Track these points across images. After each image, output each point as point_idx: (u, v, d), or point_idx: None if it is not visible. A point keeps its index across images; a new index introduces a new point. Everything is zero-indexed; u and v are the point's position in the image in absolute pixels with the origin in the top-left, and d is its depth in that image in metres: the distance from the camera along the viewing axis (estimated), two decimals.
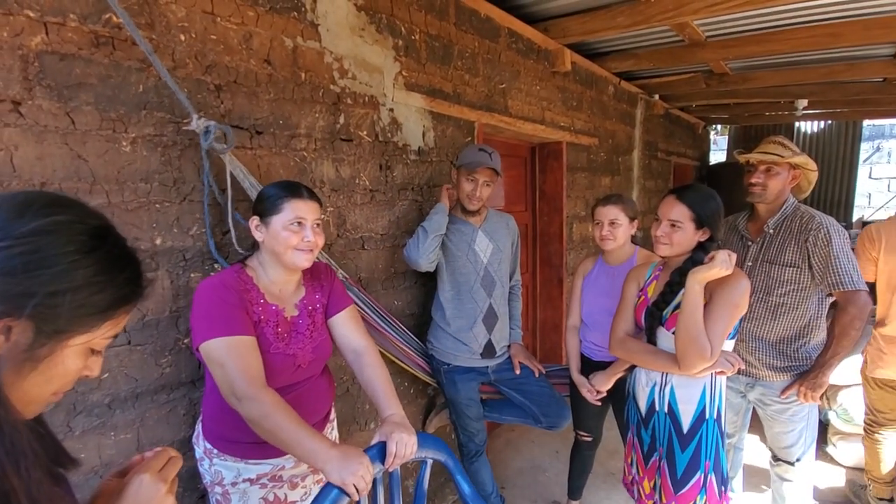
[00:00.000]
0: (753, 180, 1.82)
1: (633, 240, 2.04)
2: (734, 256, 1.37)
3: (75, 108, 1.13)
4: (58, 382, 0.54)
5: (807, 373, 1.76)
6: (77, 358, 0.54)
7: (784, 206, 1.81)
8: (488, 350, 2.01)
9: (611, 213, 1.92)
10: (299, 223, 1.20)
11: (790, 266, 1.76)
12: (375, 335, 1.84)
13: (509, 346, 2.12)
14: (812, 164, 1.81)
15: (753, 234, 1.89)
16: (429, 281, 2.18)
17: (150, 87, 1.25)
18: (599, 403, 1.97)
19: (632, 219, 1.96)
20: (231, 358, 1.08)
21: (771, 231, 1.82)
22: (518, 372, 2.04)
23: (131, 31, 1.14)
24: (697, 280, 1.35)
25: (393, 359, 1.96)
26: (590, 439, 2.20)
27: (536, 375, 2.04)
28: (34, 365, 0.50)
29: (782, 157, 1.76)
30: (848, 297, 1.68)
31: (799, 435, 1.82)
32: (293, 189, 1.22)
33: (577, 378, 2.01)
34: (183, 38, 1.31)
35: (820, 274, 1.71)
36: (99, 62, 1.16)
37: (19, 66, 1.05)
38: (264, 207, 1.21)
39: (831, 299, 1.81)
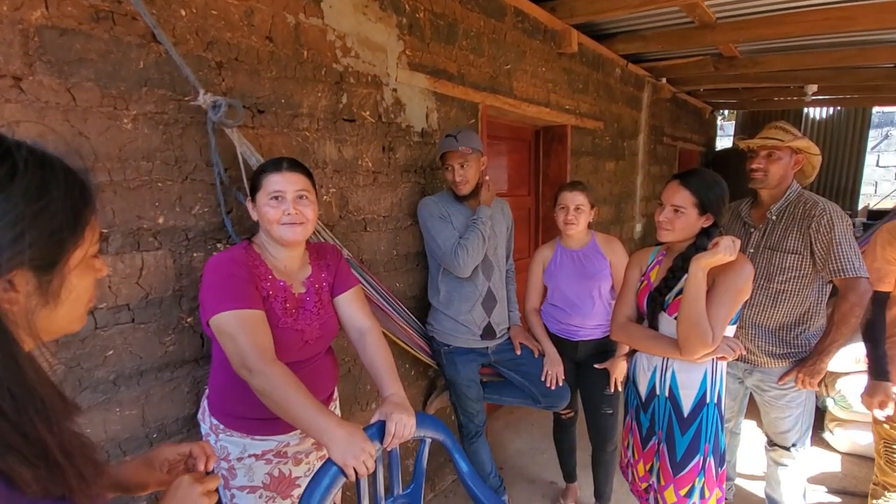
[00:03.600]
0: (754, 165, 1.80)
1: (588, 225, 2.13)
2: (738, 242, 1.37)
3: (76, 84, 1.12)
4: (85, 297, 0.58)
5: (805, 359, 1.76)
6: (85, 272, 0.57)
7: (787, 193, 1.80)
8: (488, 332, 2.03)
9: (576, 198, 1.99)
10: (276, 197, 1.19)
11: (792, 253, 1.75)
12: (379, 314, 1.86)
13: (509, 329, 2.14)
14: (815, 149, 1.78)
15: (756, 221, 1.88)
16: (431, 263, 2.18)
17: (151, 64, 1.24)
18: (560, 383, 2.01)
19: (592, 206, 2.03)
20: (243, 331, 1.09)
21: (774, 217, 1.81)
22: (519, 353, 2.06)
23: (135, 4, 1.12)
24: (700, 266, 1.35)
25: (395, 339, 1.97)
26: (572, 414, 2.25)
27: (536, 356, 2.06)
28: (56, 299, 0.53)
29: (782, 141, 1.74)
30: (849, 283, 1.67)
31: (795, 420, 1.84)
32: (272, 163, 1.23)
33: (553, 352, 2.05)
34: (183, 13, 1.28)
35: (821, 260, 1.70)
36: (99, 37, 1.15)
37: (19, 41, 1.04)
38: (251, 185, 1.25)
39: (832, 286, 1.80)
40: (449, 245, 1.88)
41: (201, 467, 0.78)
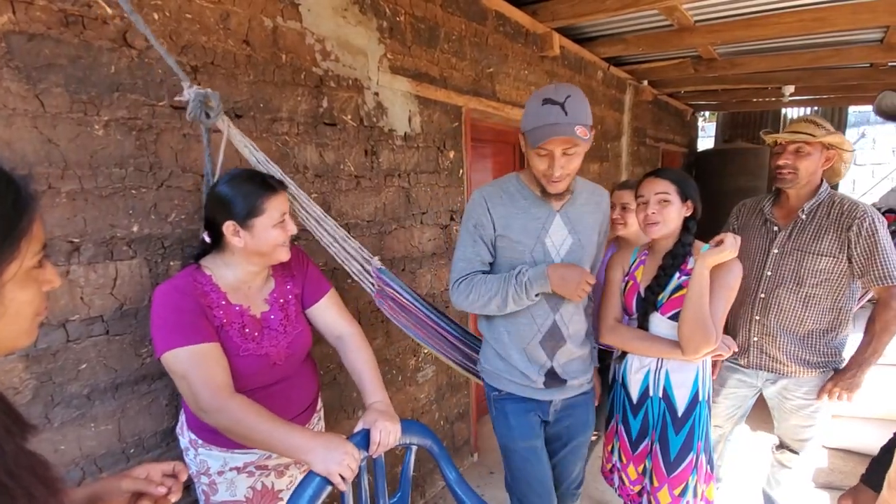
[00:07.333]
0: (781, 162, 1.65)
1: None
2: (739, 239, 1.37)
3: (45, 90, 1.08)
4: (27, 311, 0.54)
5: (842, 372, 1.65)
6: (23, 285, 0.53)
7: (819, 191, 1.67)
8: (552, 378, 1.42)
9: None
10: (283, 220, 1.16)
11: (826, 255, 1.63)
12: (425, 330, 1.59)
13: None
14: (848, 144, 1.66)
15: (781, 220, 1.75)
16: (429, 271, 2.14)
17: (123, 68, 1.21)
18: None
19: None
20: (193, 369, 1.04)
21: (804, 217, 1.68)
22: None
23: (122, 3, 1.08)
24: (706, 265, 1.35)
25: (447, 362, 1.71)
26: (596, 438, 2.14)
27: (592, 439, 1.62)
28: None
29: (814, 136, 1.60)
30: (892, 292, 1.57)
31: (818, 429, 1.77)
32: (268, 185, 1.14)
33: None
34: (157, 16, 1.26)
35: (861, 266, 1.59)
36: (68, 42, 1.12)
37: None
38: (242, 210, 1.10)
39: (862, 291, 1.72)
40: (458, 268, 1.41)
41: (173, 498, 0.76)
